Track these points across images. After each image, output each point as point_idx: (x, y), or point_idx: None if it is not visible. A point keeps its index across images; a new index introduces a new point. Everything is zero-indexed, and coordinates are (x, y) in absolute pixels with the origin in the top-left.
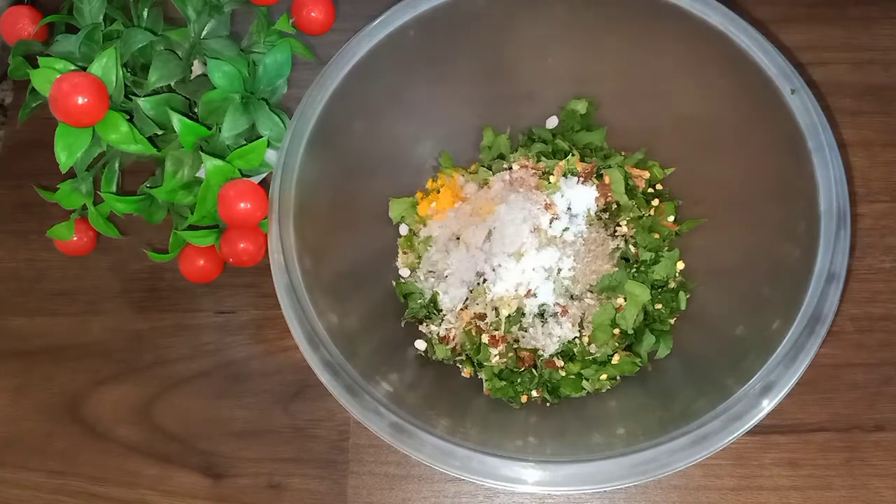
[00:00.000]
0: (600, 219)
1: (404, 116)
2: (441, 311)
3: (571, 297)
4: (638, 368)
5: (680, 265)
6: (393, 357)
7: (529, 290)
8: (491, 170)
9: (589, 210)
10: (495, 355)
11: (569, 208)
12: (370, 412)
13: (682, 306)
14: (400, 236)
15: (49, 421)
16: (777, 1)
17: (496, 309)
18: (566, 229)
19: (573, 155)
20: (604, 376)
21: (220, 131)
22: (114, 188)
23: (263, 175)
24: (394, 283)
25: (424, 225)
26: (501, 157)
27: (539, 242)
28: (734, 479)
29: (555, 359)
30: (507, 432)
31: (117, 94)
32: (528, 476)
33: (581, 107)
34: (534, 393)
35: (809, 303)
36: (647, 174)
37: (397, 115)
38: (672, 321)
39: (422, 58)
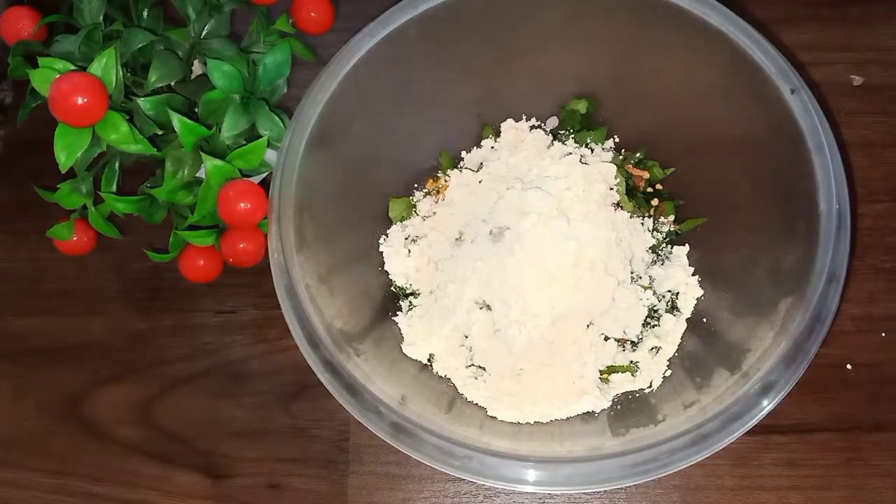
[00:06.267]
0: None
1: (404, 116)
2: None
3: None
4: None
5: None
6: (393, 356)
7: None
8: None
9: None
10: None
11: None
12: (370, 412)
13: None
14: None
15: (49, 421)
16: (777, 1)
17: None
18: None
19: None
20: (605, 376)
21: (220, 131)
22: (114, 188)
23: (263, 175)
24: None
25: None
26: None
27: None
28: (734, 479)
29: None
30: (507, 432)
31: (117, 93)
32: (528, 476)
33: (581, 107)
34: None
35: (809, 303)
36: (647, 174)
37: (397, 114)
38: None
39: (422, 57)
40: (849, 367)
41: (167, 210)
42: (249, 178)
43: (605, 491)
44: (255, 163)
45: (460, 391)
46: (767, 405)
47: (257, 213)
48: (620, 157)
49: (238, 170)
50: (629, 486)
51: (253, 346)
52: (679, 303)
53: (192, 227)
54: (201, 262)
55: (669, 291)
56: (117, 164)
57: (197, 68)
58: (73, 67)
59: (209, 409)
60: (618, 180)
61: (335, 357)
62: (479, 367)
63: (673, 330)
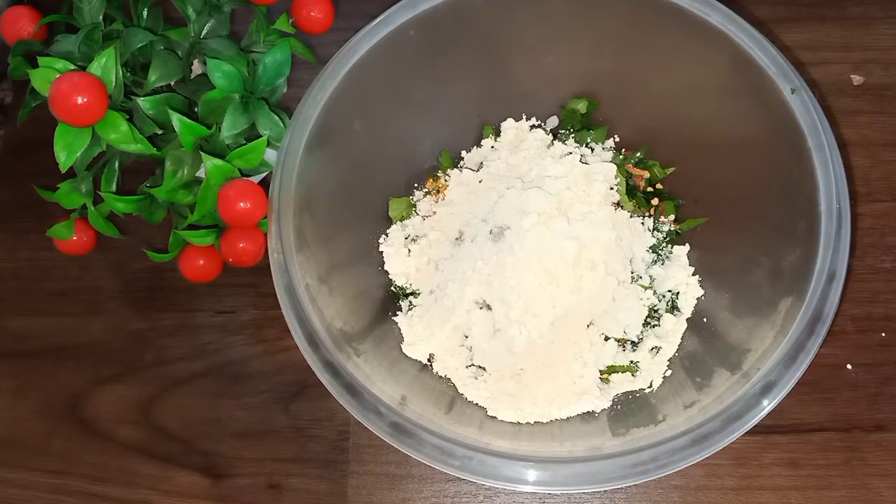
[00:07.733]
0: None
1: (404, 116)
2: None
3: None
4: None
5: None
6: (393, 356)
7: None
8: None
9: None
10: None
11: None
12: (370, 412)
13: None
14: None
15: (49, 421)
16: (777, 1)
17: None
18: None
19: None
20: (605, 376)
21: (219, 131)
22: (114, 188)
23: (263, 175)
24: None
25: None
26: None
27: None
28: (734, 479)
29: None
30: (507, 432)
31: (117, 93)
32: (528, 476)
33: (581, 106)
34: None
35: (809, 302)
36: (647, 174)
37: (397, 114)
38: None
39: (422, 57)
40: (849, 367)
41: (167, 210)
42: (249, 178)
43: (605, 491)
44: (255, 162)
45: (460, 391)
46: (767, 405)
47: (257, 213)
48: (620, 156)
49: (238, 169)
50: (629, 486)
51: (253, 346)
52: (679, 303)
53: (192, 227)
54: (201, 262)
55: (670, 291)
56: (117, 164)
57: (196, 68)
58: (72, 67)
59: (209, 409)
60: (618, 180)
61: (335, 357)
62: (479, 367)
63: (673, 330)
